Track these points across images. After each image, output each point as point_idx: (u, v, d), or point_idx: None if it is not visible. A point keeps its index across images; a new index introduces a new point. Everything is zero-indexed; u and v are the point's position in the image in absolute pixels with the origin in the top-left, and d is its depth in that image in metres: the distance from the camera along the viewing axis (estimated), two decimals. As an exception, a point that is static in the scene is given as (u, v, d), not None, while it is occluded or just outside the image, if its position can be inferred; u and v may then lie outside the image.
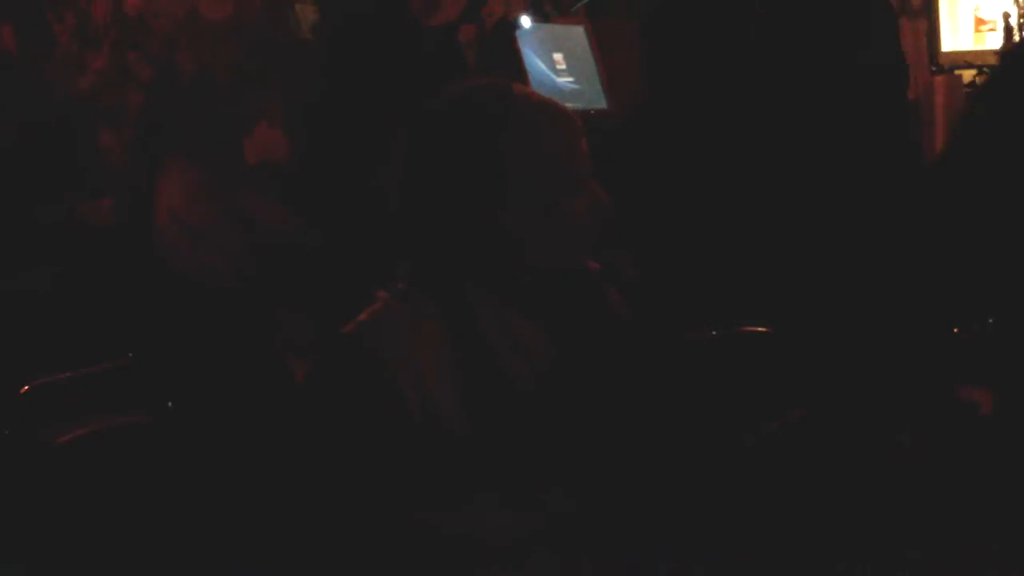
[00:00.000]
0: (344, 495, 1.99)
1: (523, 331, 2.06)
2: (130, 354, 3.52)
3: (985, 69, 5.21)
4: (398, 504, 1.98)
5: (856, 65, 3.55)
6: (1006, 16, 5.65)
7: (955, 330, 2.67)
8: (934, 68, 5.62)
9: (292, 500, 2.06)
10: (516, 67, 4.57)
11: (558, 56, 4.69)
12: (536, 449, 2.02)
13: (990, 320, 2.60)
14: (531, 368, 2.05)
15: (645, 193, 3.43)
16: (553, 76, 4.64)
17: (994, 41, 5.71)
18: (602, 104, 4.65)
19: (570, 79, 4.64)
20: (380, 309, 2.08)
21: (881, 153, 3.56)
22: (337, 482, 1.99)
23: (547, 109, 2.10)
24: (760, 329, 2.77)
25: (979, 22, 5.86)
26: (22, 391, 3.35)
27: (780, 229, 3.49)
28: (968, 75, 5.33)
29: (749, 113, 3.52)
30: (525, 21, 4.66)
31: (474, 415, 2.01)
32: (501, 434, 2.01)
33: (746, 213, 3.53)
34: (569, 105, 2.20)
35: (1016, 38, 5.50)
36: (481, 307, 2.05)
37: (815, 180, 3.49)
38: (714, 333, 2.66)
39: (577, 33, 4.77)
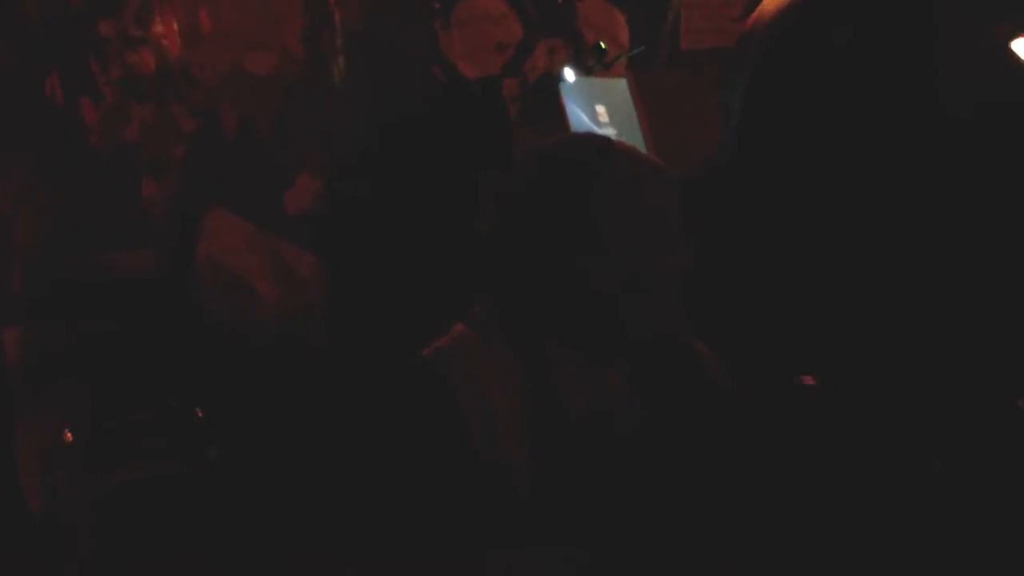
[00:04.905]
0: (395, 520, 1.96)
1: (607, 392, 2.02)
2: (172, 403, 3.51)
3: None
4: (446, 536, 1.95)
5: None
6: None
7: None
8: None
9: (342, 521, 2.04)
10: (559, 120, 4.57)
11: (600, 108, 4.68)
12: (600, 511, 1.98)
13: None
14: (611, 430, 2.01)
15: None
16: (596, 128, 4.64)
17: None
18: (643, 155, 4.65)
19: (612, 131, 4.63)
20: (456, 339, 2.05)
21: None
22: (389, 504, 1.97)
23: (646, 164, 2.07)
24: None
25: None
26: (67, 439, 3.35)
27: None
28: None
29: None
30: (568, 74, 4.66)
31: (539, 463, 1.97)
32: (563, 488, 1.97)
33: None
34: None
35: None
36: (562, 364, 2.01)
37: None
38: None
39: (620, 86, 4.77)
